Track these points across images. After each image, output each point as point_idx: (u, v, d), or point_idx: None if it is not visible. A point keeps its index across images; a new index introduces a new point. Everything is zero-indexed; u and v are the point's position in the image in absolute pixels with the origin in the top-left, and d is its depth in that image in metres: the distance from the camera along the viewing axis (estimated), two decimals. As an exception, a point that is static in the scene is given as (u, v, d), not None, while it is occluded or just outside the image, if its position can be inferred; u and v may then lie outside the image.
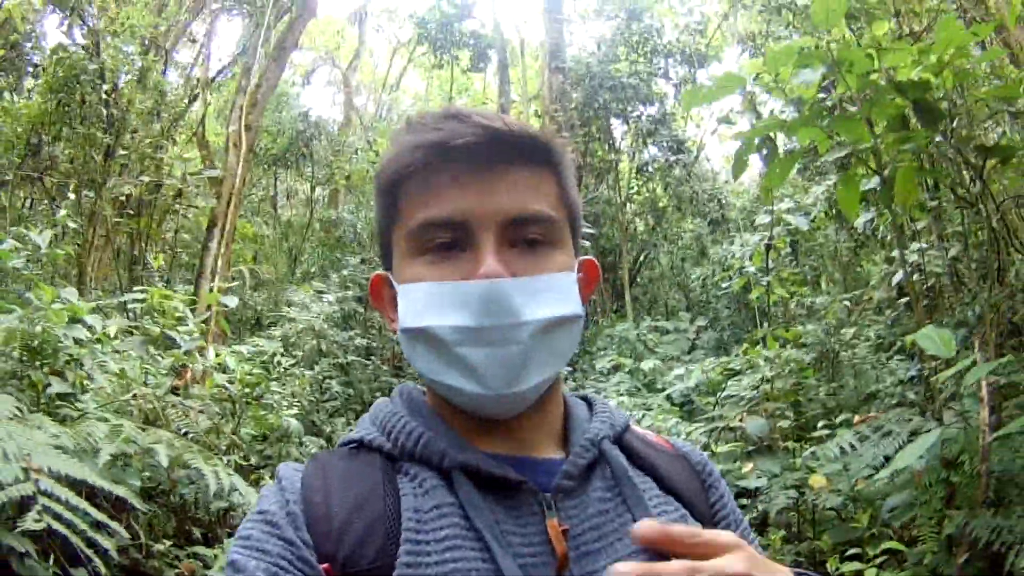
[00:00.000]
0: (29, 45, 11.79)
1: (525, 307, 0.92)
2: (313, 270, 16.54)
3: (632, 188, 17.33)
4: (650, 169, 16.40)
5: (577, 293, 1.00)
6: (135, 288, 7.76)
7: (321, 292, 12.46)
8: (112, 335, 5.54)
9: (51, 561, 3.57)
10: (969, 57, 4.09)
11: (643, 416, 9.06)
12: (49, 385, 4.49)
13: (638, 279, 17.16)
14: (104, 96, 10.69)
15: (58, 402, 4.57)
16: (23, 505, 3.23)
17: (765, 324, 9.82)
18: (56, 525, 3.12)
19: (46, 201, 11.42)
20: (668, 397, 10.84)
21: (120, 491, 3.67)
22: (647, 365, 12.18)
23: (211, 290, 10.12)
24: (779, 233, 9.37)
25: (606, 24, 17.24)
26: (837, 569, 5.17)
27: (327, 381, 10.94)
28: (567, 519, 0.94)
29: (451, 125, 0.95)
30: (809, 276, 10.99)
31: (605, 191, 16.24)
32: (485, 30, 18.08)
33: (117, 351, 5.62)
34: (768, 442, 7.24)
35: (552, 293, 0.95)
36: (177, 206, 12.98)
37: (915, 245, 6.26)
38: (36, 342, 4.52)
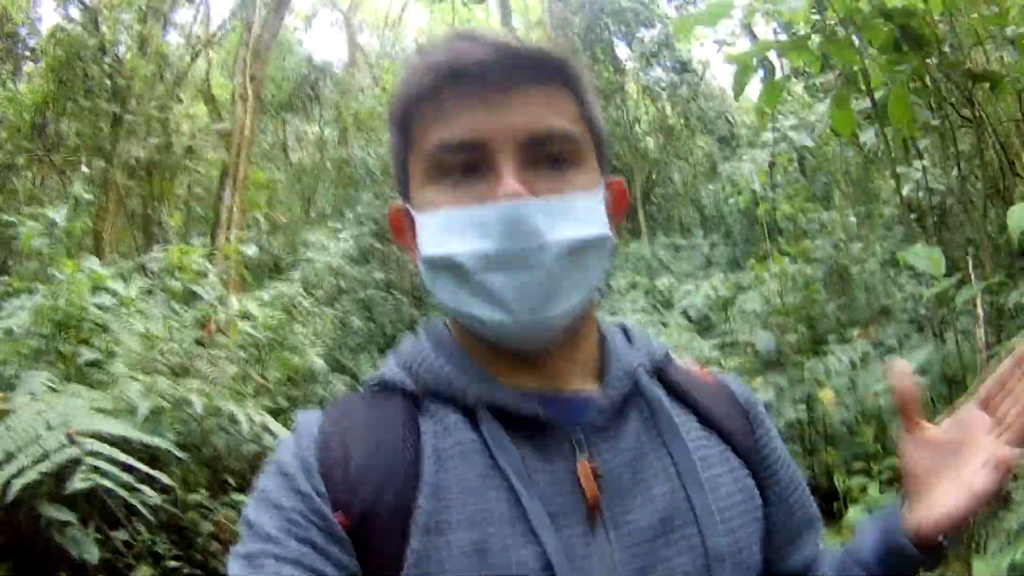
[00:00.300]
0: (25, 30, 11.65)
1: (549, 229, 0.87)
2: (328, 210, 16.58)
3: (640, 108, 17.18)
4: (657, 89, 16.22)
5: (603, 213, 0.95)
6: (153, 247, 7.90)
7: (337, 230, 12.50)
8: (134, 296, 5.70)
9: (90, 528, 3.75)
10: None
11: (659, 334, 9.14)
12: (78, 355, 4.65)
13: (651, 197, 17.11)
14: (107, 68, 10.69)
15: (87, 369, 4.73)
16: (61, 476, 3.43)
17: (778, 239, 9.82)
18: (104, 482, 3.31)
19: (55, 176, 11.46)
20: (684, 313, 10.91)
21: (162, 443, 3.87)
22: (662, 283, 12.21)
23: (227, 240, 10.28)
24: (784, 150, 9.32)
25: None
26: (844, 482, 5.33)
27: (348, 318, 11.06)
28: (599, 457, 0.90)
29: (462, 46, 0.91)
30: (820, 192, 10.91)
31: (613, 112, 16.12)
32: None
33: (140, 311, 5.76)
34: (778, 356, 7.31)
35: (577, 213, 0.90)
36: (188, 163, 13.00)
37: (920, 163, 6.24)
38: (61, 315, 4.67)
